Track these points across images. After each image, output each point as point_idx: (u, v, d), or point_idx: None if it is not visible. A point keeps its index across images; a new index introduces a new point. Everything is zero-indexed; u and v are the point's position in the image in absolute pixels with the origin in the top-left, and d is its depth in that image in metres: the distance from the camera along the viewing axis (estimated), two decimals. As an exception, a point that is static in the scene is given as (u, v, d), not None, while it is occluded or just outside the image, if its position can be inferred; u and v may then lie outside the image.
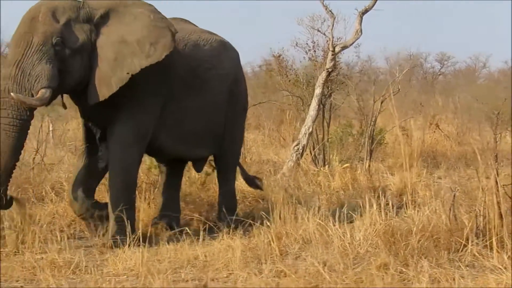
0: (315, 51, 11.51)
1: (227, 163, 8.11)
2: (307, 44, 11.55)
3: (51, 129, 12.93)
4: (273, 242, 6.50)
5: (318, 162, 10.92)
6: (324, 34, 11.16)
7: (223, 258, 6.22)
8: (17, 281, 5.89)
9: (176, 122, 7.43)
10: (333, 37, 10.74)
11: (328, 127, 11.39)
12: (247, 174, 8.46)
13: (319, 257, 6.07)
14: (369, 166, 10.46)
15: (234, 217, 7.53)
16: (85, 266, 6.16)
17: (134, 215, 7.14)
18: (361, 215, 7.08)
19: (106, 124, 7.20)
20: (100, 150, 7.35)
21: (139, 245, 6.53)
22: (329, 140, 11.23)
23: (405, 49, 33.08)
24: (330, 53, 10.67)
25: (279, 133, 14.57)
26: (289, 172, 10.16)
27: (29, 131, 6.85)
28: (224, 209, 7.82)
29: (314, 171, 10.34)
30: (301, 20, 11.47)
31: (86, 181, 7.31)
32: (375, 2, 10.64)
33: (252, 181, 8.45)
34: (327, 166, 10.28)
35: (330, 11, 10.76)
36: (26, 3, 7.24)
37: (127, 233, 6.76)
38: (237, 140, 8.23)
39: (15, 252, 6.61)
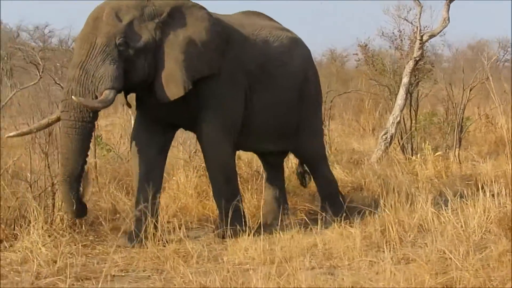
0: (401, 40, 11.53)
1: (311, 154, 8.07)
2: (393, 33, 11.58)
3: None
4: (392, 230, 6.56)
5: (406, 151, 10.94)
6: (411, 23, 11.18)
7: (342, 246, 6.31)
8: (144, 271, 6.04)
9: (246, 116, 7.39)
10: (420, 26, 10.74)
11: (416, 116, 11.40)
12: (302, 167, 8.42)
13: (438, 244, 6.11)
14: (458, 154, 10.46)
15: (344, 208, 7.59)
16: (207, 256, 6.30)
17: (241, 206, 7.22)
18: (467, 203, 7.12)
19: (183, 121, 7.25)
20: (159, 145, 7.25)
21: (253, 235, 6.65)
22: (416, 128, 11.24)
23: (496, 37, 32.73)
24: (417, 42, 10.68)
25: (359, 123, 14.61)
26: (379, 161, 10.22)
27: (93, 132, 6.79)
28: (325, 198, 7.92)
29: (407, 159, 10.36)
30: (387, 10, 11.50)
31: (151, 178, 7.14)
32: (462, -10, 10.64)
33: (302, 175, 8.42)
34: (418, 155, 10.27)
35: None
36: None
37: (243, 223, 6.89)
38: (315, 132, 8.11)
39: (139, 243, 6.74)
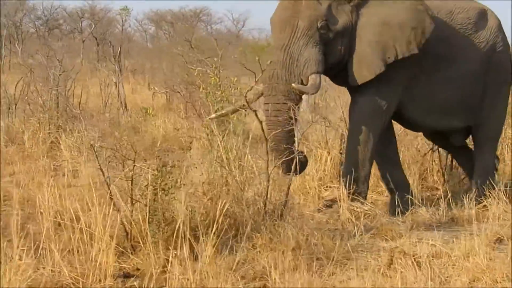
0: None
1: (485, 136, 7.85)
2: None
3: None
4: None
5: None
6: None
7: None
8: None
9: (425, 94, 7.38)
10: None
11: None
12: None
13: None
14: None
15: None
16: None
17: (366, 190, 7.28)
18: None
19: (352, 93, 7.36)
20: None
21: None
22: None
23: None
24: None
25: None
26: None
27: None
28: (475, 186, 7.70)
29: None
30: None
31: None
32: None
33: None
34: None
35: None
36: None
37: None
38: (498, 113, 7.88)
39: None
